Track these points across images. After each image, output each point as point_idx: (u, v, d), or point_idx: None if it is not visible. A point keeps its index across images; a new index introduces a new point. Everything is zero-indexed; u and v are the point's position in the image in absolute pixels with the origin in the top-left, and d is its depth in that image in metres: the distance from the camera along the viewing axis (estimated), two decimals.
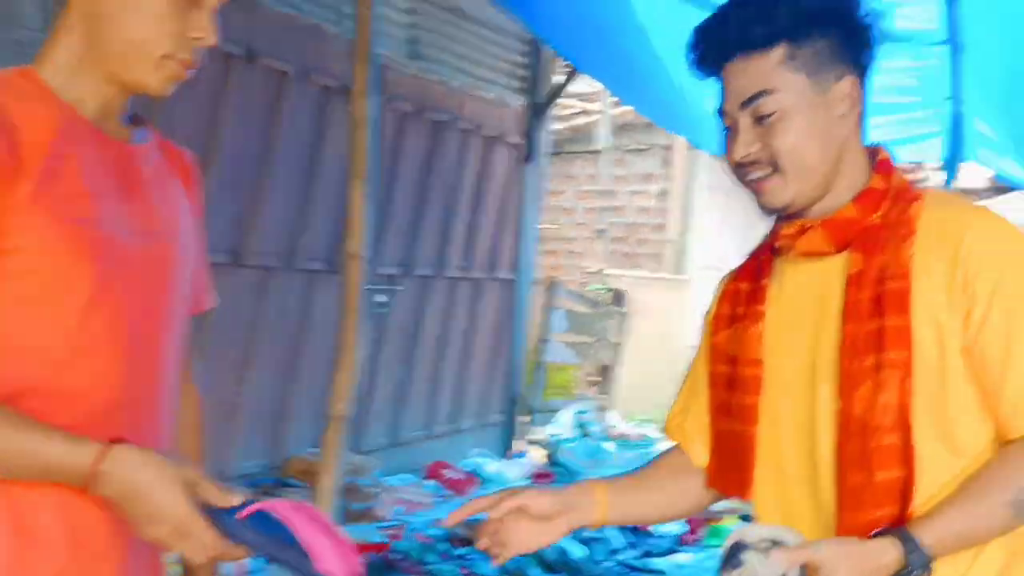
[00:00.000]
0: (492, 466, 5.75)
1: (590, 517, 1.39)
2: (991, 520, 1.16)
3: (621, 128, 8.92)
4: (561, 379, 7.50)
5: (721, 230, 11.09)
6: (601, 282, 7.57)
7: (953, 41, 3.56)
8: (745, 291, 1.38)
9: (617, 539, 4.75)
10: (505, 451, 6.24)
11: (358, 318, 2.92)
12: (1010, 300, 1.18)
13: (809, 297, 1.30)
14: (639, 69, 4.64)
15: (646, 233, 9.93)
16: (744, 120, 1.26)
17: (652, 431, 6.87)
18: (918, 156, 5.20)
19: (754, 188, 1.28)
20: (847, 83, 1.26)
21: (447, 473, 5.24)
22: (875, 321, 1.21)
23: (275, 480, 4.36)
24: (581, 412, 6.38)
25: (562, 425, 6.30)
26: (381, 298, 5.01)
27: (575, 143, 9.79)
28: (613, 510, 1.40)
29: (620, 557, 4.56)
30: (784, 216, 1.32)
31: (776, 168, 1.25)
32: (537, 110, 6.26)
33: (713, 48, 1.28)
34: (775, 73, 1.24)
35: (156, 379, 1.25)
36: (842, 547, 1.14)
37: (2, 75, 1.19)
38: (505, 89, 6.05)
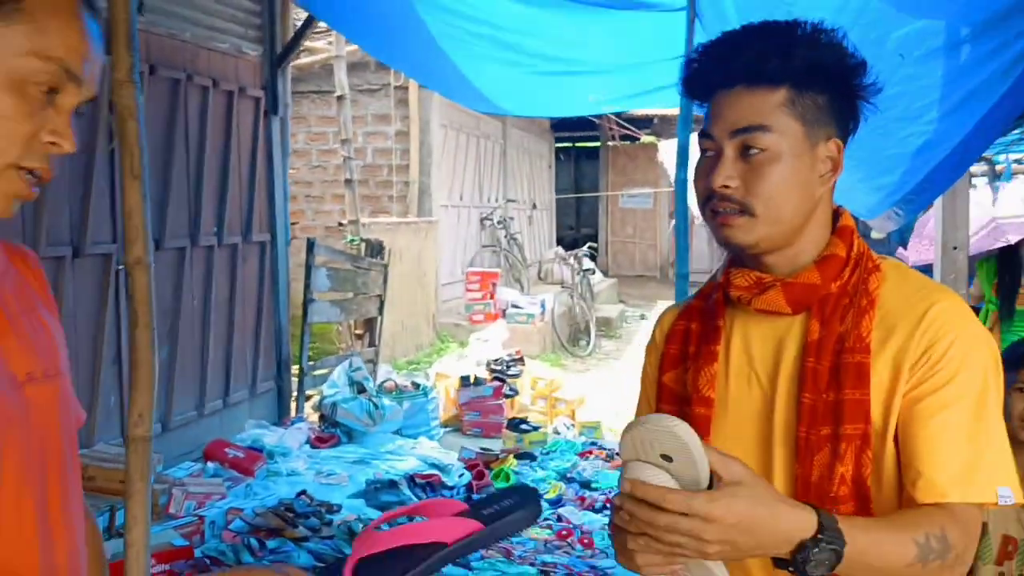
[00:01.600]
0: (271, 437, 5.58)
1: None
2: (899, 548, 1.13)
3: (352, 68, 8.69)
4: (327, 337, 7.37)
5: (457, 170, 11.28)
6: (356, 233, 7.45)
7: (688, 8, 3.91)
8: (696, 331, 1.36)
9: (410, 500, 4.80)
10: (281, 419, 6.07)
11: (151, 331, 2.65)
12: (961, 376, 1.20)
13: (763, 352, 1.30)
14: (375, 14, 4.58)
15: (386, 175, 9.85)
16: (730, 150, 1.24)
17: (422, 380, 6.95)
18: (659, 104, 5.61)
19: (718, 220, 1.26)
20: (834, 144, 1.27)
21: (229, 452, 5.02)
22: (833, 392, 1.22)
23: None
24: (353, 369, 6.31)
25: (335, 384, 6.20)
26: None
27: (304, 83, 9.42)
28: None
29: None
30: (736, 261, 1.32)
31: (746, 210, 1.24)
32: (276, 60, 5.96)
33: (717, 71, 1.26)
34: (775, 113, 1.23)
35: (69, 534, 1.09)
36: (737, 495, 1.04)
37: None
38: (241, 39, 5.68)
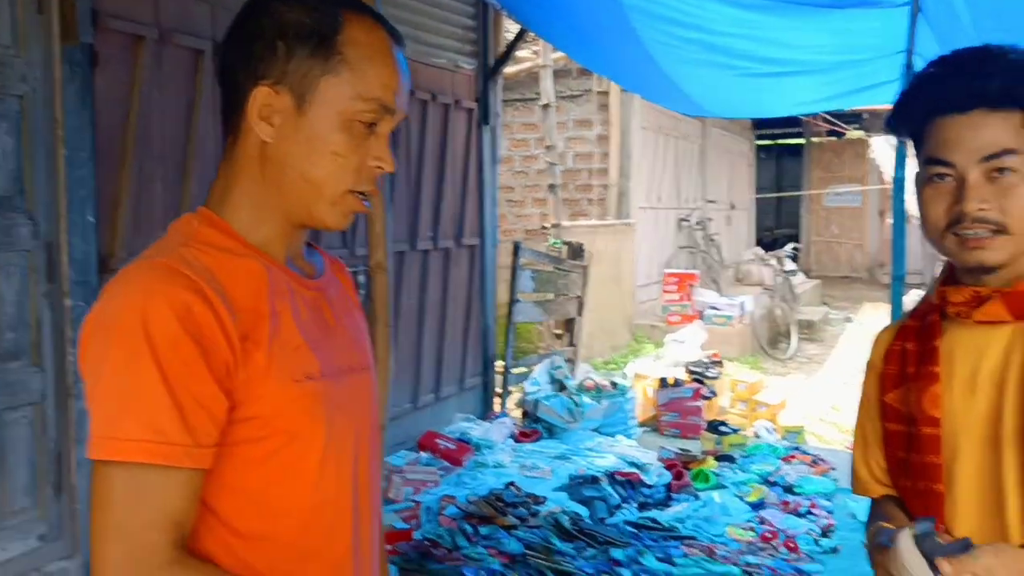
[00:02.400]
0: (477, 430, 5.84)
1: None
2: None
3: (555, 75, 8.91)
4: (528, 336, 7.61)
5: (656, 172, 11.29)
6: (557, 236, 7.64)
7: (911, 3, 3.79)
8: (913, 351, 1.41)
9: (612, 496, 4.89)
10: (486, 413, 6.34)
11: (389, 329, 2.90)
12: None
13: (985, 363, 1.34)
14: (585, 24, 4.70)
15: (586, 179, 10.02)
16: (975, 174, 1.28)
17: (620, 379, 7.03)
18: (874, 101, 5.42)
19: (970, 244, 1.30)
20: None
21: (440, 443, 5.31)
22: None
23: None
24: (554, 367, 6.49)
25: (537, 382, 6.40)
26: (360, 279, 4.98)
27: (508, 91, 9.75)
28: None
29: (621, 513, 4.69)
30: (949, 279, 1.37)
31: (1001, 229, 1.28)
32: (488, 72, 6.23)
33: (947, 95, 1.29)
34: (1019, 135, 1.27)
35: (372, 516, 1.27)
36: (1000, 555, 1.17)
37: (192, 228, 1.16)
38: (457, 54, 5.98)
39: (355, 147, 1.15)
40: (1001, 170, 1.26)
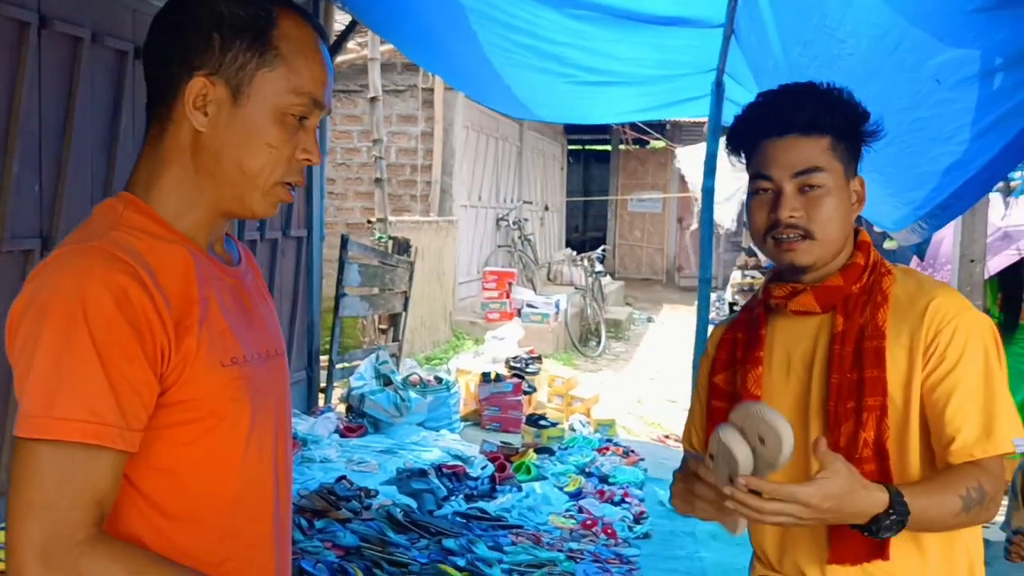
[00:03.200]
0: (303, 425, 5.77)
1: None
2: (948, 504, 1.41)
3: (380, 68, 8.88)
4: (352, 331, 7.56)
5: (476, 171, 11.49)
6: (384, 231, 7.65)
7: (726, 25, 4.14)
8: (742, 340, 1.65)
9: (439, 489, 5.00)
10: (311, 408, 6.26)
11: None
12: (967, 356, 1.47)
13: (798, 348, 1.59)
14: (422, 23, 4.79)
15: (409, 174, 10.06)
16: (790, 187, 1.53)
17: (444, 374, 7.15)
18: (686, 113, 5.82)
19: (784, 247, 1.55)
20: (858, 181, 1.60)
21: None
22: (856, 372, 1.50)
23: None
24: (380, 362, 6.51)
25: (363, 377, 6.40)
26: None
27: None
28: None
29: (449, 505, 4.80)
30: (775, 277, 1.63)
31: (808, 235, 1.53)
32: None
33: (774, 122, 1.55)
34: (824, 156, 1.54)
35: (289, 495, 1.32)
36: (830, 487, 1.30)
37: (118, 212, 1.17)
38: None
39: (287, 140, 1.19)
40: (810, 186, 1.52)
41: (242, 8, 1.16)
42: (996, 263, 4.94)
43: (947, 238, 5.13)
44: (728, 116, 5.55)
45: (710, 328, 1.87)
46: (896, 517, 1.35)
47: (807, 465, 1.50)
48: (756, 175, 1.57)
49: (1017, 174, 5.77)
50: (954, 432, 1.46)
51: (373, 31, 6.74)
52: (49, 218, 3.81)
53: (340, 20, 6.60)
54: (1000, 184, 5.64)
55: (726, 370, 1.66)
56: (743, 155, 1.64)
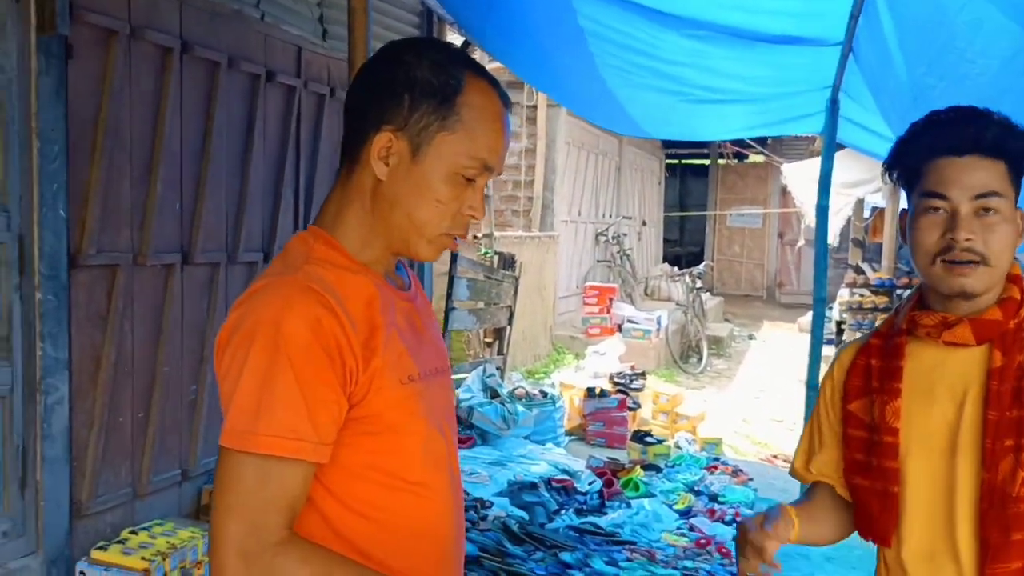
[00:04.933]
0: None
1: (790, 536, 1.62)
2: None
3: None
4: (457, 344, 7.69)
5: (577, 186, 11.55)
6: (489, 246, 7.77)
7: (844, 44, 4.09)
8: (877, 367, 1.60)
9: (550, 502, 5.05)
10: None
11: None
12: None
13: (943, 380, 1.54)
14: (536, 44, 4.87)
15: (511, 190, 10.18)
16: (968, 209, 1.48)
17: (549, 388, 7.20)
18: (799, 130, 5.76)
19: (956, 271, 1.49)
20: (1020, 214, 1.54)
21: None
22: (1016, 410, 1.46)
23: None
24: (487, 375, 6.61)
25: (470, 389, 6.51)
26: None
27: None
28: (801, 532, 1.65)
29: (560, 519, 4.85)
30: (918, 305, 1.59)
31: (984, 262, 1.48)
32: None
33: (950, 140, 1.50)
34: (1003, 182, 1.50)
35: (461, 496, 1.41)
36: None
37: (308, 246, 1.29)
38: None
39: (455, 197, 1.29)
40: (987, 209, 1.48)
41: (434, 75, 1.26)
42: None
43: None
44: (843, 134, 5.49)
45: (827, 348, 1.80)
46: None
47: (951, 495, 1.50)
48: (928, 193, 1.52)
49: None
50: None
51: (485, 51, 6.88)
52: (189, 234, 4.03)
53: (452, 41, 6.75)
54: None
55: (861, 398, 1.62)
56: (900, 176, 1.60)
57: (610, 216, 13.22)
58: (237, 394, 1.18)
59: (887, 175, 1.65)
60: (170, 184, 3.88)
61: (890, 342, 1.61)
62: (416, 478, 1.29)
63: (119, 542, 3.42)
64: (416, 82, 1.26)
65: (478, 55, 8.33)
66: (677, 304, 12.04)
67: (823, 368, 3.62)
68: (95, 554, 3.31)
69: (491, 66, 8.41)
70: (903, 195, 1.64)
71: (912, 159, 1.56)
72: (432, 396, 1.33)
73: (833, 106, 5.01)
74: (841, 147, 6.02)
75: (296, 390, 1.17)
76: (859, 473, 1.60)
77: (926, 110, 1.60)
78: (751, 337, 13.99)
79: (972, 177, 1.48)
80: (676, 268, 13.92)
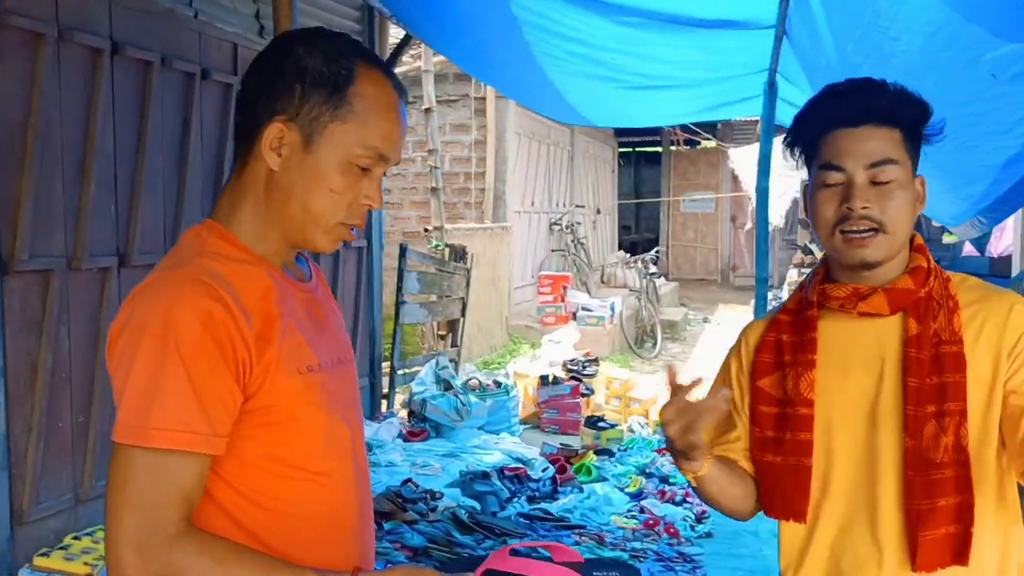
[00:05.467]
0: (367, 430, 5.91)
1: (702, 468, 1.54)
2: None
3: (434, 79, 9.04)
4: (411, 338, 7.71)
5: (529, 176, 11.58)
6: (440, 239, 7.78)
7: (777, 27, 4.15)
8: (789, 342, 1.59)
9: (502, 491, 5.09)
10: (374, 413, 6.40)
11: None
12: None
13: (857, 350, 1.54)
14: (475, 34, 4.88)
15: (463, 182, 10.19)
16: (862, 178, 1.48)
17: (503, 378, 7.23)
18: (739, 114, 5.83)
19: (855, 242, 1.49)
20: (919, 180, 1.55)
21: None
22: (935, 376, 1.47)
23: None
24: (440, 368, 6.63)
25: (424, 382, 6.52)
26: None
27: None
28: (711, 472, 1.56)
29: (512, 506, 4.89)
30: (827, 278, 1.58)
31: (880, 228, 1.48)
32: None
33: (844, 111, 1.50)
34: (898, 148, 1.49)
35: (368, 485, 1.43)
36: None
37: (202, 239, 1.29)
38: None
39: (350, 186, 1.29)
40: (884, 180, 1.48)
41: (326, 64, 1.27)
42: None
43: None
44: (782, 116, 5.56)
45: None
46: None
47: (873, 465, 1.51)
48: (826, 166, 1.51)
49: None
50: None
51: (427, 44, 6.88)
52: (125, 237, 3.99)
53: (395, 35, 6.74)
54: None
55: (771, 373, 1.60)
56: (800, 151, 1.60)
57: (564, 205, 13.28)
58: (128, 389, 1.18)
59: (788, 151, 1.64)
60: (104, 186, 3.85)
61: (801, 316, 1.60)
62: (317, 467, 1.30)
63: (62, 548, 3.40)
64: (307, 72, 1.26)
65: (422, 49, 8.33)
66: (631, 290, 12.14)
67: None
68: (38, 560, 3.28)
69: (436, 59, 8.41)
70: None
71: (810, 133, 1.56)
72: (334, 385, 1.34)
73: (771, 89, 5.06)
74: (783, 129, 6.10)
75: (187, 383, 1.17)
76: (770, 450, 1.58)
77: None
78: (706, 320, 14.15)
79: (866, 146, 1.48)
80: (631, 255, 14.02)
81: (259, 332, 1.23)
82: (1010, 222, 4.69)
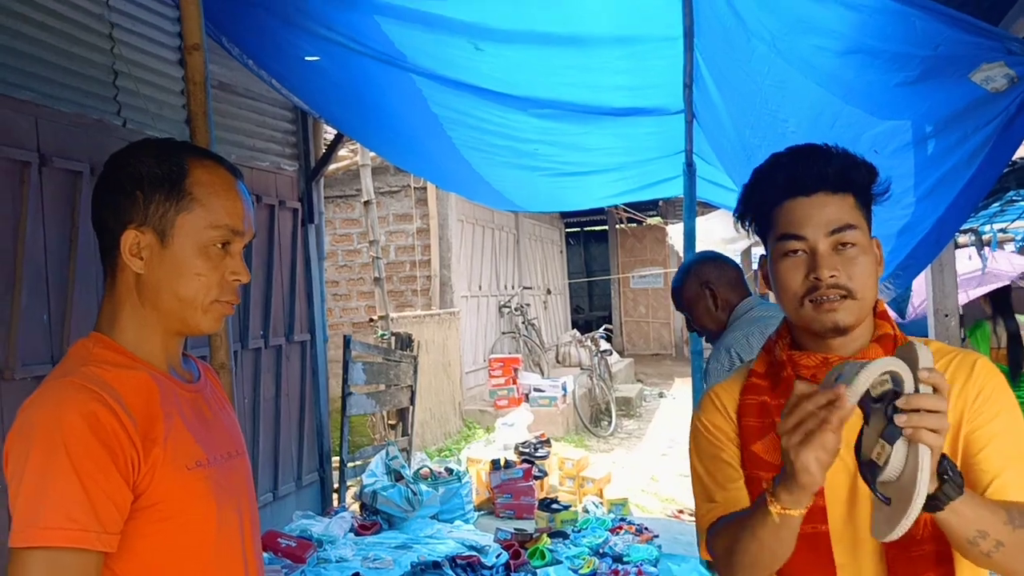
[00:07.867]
0: (318, 526, 5.85)
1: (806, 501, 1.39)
2: (995, 511, 1.34)
3: (373, 172, 9.23)
4: (361, 429, 7.69)
5: (475, 261, 11.74)
6: (386, 328, 7.84)
7: (685, 111, 4.38)
8: (775, 405, 1.53)
9: None
10: (325, 508, 6.35)
11: None
12: (1004, 411, 1.48)
13: None
14: (400, 132, 5.06)
15: (409, 270, 10.31)
16: (826, 246, 1.45)
17: (455, 465, 7.23)
18: (661, 194, 6.04)
19: (825, 307, 1.46)
20: (876, 243, 1.52)
21: (281, 542, 5.30)
22: None
23: None
24: (390, 458, 6.61)
25: (374, 474, 6.50)
26: None
27: (328, 188, 9.98)
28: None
29: None
30: (793, 344, 1.55)
31: (849, 294, 1.45)
32: (310, 174, 6.46)
33: (796, 180, 1.48)
34: (854, 213, 1.47)
35: (257, 569, 1.49)
36: None
37: (87, 350, 1.38)
38: (279, 157, 6.18)
39: (214, 266, 1.40)
40: (845, 244, 1.45)
41: (158, 165, 1.39)
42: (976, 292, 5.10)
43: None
44: (704, 193, 5.79)
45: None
46: (956, 476, 1.29)
47: (856, 541, 1.49)
48: (785, 236, 1.49)
49: (987, 227, 5.96)
50: (993, 476, 1.43)
51: (359, 142, 7.06)
52: (59, 344, 4.01)
53: (329, 131, 6.92)
54: (974, 239, 5.81)
55: (762, 437, 1.53)
56: (751, 223, 1.58)
57: (512, 288, 13.44)
58: (21, 494, 1.24)
59: (740, 223, 1.63)
60: (36, 295, 3.88)
61: (778, 378, 1.55)
62: (209, 559, 1.36)
63: None
64: (143, 178, 1.37)
65: (356, 146, 8.54)
66: (583, 369, 12.23)
67: None
68: None
69: (373, 153, 8.61)
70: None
71: (762, 204, 1.54)
72: (224, 478, 1.41)
73: (689, 169, 5.28)
74: (708, 206, 6.31)
75: (76, 482, 1.23)
76: None
77: None
78: (661, 395, 14.25)
79: (824, 213, 1.46)
80: (583, 333, 14.16)
81: (144, 432, 1.30)
82: (920, 284, 4.90)
